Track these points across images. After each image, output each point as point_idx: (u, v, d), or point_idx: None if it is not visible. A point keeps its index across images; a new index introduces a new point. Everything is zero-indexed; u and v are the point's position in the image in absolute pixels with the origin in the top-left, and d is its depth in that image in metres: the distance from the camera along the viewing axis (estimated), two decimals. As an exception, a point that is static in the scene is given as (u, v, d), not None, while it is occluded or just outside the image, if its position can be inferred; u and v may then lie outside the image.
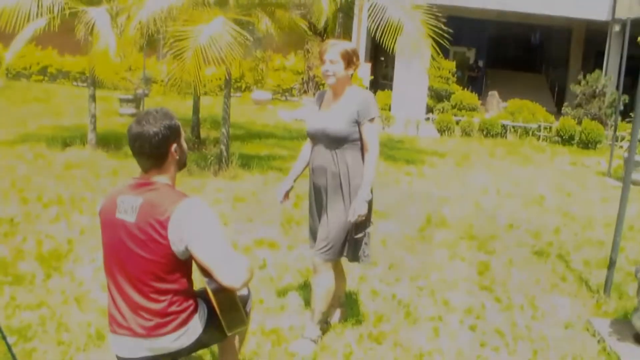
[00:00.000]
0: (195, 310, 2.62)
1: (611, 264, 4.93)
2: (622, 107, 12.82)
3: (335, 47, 3.63)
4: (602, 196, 9.00)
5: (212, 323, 2.64)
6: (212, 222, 2.55)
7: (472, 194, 8.54)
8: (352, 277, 4.88)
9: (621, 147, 13.46)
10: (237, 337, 2.88)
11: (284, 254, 5.51)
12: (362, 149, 3.68)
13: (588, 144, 14.51)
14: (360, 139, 3.66)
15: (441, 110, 16.86)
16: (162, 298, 2.53)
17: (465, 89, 18.24)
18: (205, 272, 2.50)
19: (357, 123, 3.62)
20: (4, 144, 9.92)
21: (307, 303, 4.10)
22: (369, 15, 8.77)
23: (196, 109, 11.35)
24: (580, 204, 8.39)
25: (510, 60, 26.28)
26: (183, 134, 2.67)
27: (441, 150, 12.36)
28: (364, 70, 19.63)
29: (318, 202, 3.80)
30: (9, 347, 3.03)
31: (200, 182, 8.01)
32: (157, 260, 2.49)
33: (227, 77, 8.97)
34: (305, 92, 19.43)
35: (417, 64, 9.20)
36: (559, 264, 5.80)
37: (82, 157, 9.22)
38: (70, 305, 4.24)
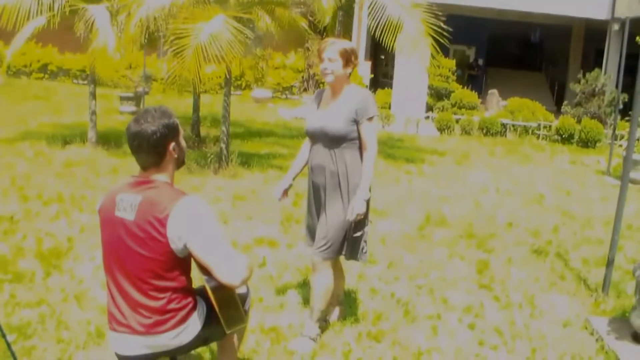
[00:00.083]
0: (194, 308, 2.64)
1: (609, 263, 4.94)
2: (621, 106, 12.84)
3: (334, 46, 3.65)
4: (602, 195, 9.01)
5: (211, 321, 2.66)
6: (211, 220, 2.56)
7: (472, 193, 8.54)
8: (351, 276, 4.89)
9: (620, 145, 13.46)
10: (236, 335, 2.89)
11: (283, 252, 5.53)
12: (361, 148, 3.69)
13: (587, 143, 14.52)
14: (359, 137, 3.67)
15: (441, 108, 16.87)
16: (161, 296, 2.54)
17: (465, 88, 18.23)
18: (204, 270, 2.52)
19: (356, 122, 3.63)
20: (5, 141, 9.93)
21: (307, 301, 4.11)
22: (369, 13, 8.78)
23: (196, 107, 11.36)
24: (579, 203, 8.40)
25: (510, 58, 26.29)
26: (181, 132, 2.68)
27: (441, 149, 12.37)
28: (364, 68, 19.62)
29: (317, 200, 3.81)
30: (9, 345, 3.04)
31: (200, 180, 8.02)
32: (156, 258, 2.50)
33: (227, 75, 8.98)
34: (305, 90, 19.43)
35: (417, 63, 9.20)
36: (558, 262, 5.81)
37: (82, 155, 9.23)
38: (70, 303, 4.25)
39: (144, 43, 9.57)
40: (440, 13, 8.55)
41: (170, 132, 2.58)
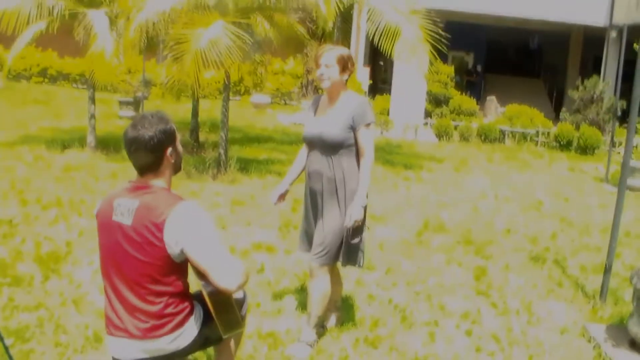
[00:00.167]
0: (191, 313, 2.65)
1: (607, 270, 4.95)
2: (620, 113, 12.87)
3: (330, 52, 3.68)
4: (600, 202, 9.03)
5: (208, 325, 2.67)
6: (208, 225, 2.57)
7: (470, 199, 8.56)
8: (349, 282, 4.90)
9: (619, 152, 13.48)
10: (232, 340, 2.90)
11: (281, 258, 5.53)
12: (358, 154, 3.71)
13: (586, 150, 14.54)
14: (356, 144, 3.69)
15: (439, 115, 16.90)
16: (158, 300, 2.55)
17: (464, 94, 18.27)
18: (201, 275, 2.53)
19: (353, 128, 3.65)
20: (4, 145, 9.94)
21: (304, 307, 4.12)
22: (368, 19, 8.81)
23: (195, 112, 11.37)
24: (577, 210, 8.42)
25: (508, 65, 26.35)
26: (178, 138, 2.69)
27: (439, 155, 12.38)
28: (363, 74, 19.66)
29: (314, 206, 3.83)
30: (6, 349, 3.05)
31: (198, 186, 8.03)
32: (153, 262, 2.51)
33: (226, 81, 9.00)
34: (304, 96, 19.45)
35: (415, 69, 9.23)
36: (556, 269, 5.82)
37: (81, 160, 9.24)
38: (68, 307, 4.26)
39: (143, 48, 9.60)
40: (438, 19, 8.58)
41: (167, 137, 2.60)
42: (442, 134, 15.14)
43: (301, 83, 19.84)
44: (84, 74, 10.07)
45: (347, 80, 3.74)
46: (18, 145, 9.97)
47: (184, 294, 2.63)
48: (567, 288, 5.33)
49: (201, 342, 2.73)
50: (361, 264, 3.89)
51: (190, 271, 2.62)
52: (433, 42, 8.61)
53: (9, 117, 12.91)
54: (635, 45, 9.81)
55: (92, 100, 9.99)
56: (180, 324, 2.60)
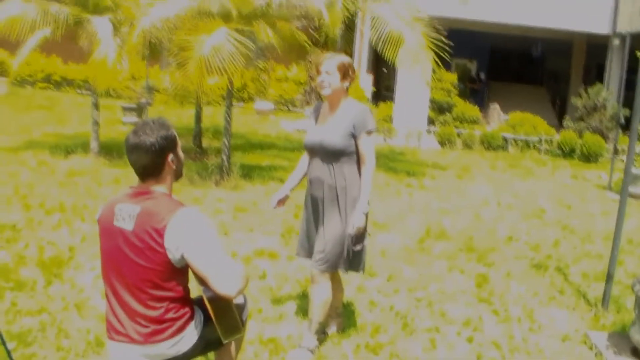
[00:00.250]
0: (191, 318, 2.66)
1: (609, 278, 4.95)
2: (623, 121, 12.85)
3: (331, 59, 3.70)
4: (603, 209, 9.01)
5: (209, 330, 2.68)
6: (208, 231, 2.59)
7: (473, 206, 8.56)
8: (350, 288, 4.90)
9: (622, 160, 13.45)
10: (233, 345, 2.91)
11: (283, 264, 5.54)
12: (359, 162, 3.73)
13: (589, 157, 14.52)
14: (357, 151, 3.70)
15: (442, 122, 16.90)
16: (159, 305, 2.56)
17: (467, 101, 18.27)
18: (202, 280, 2.54)
19: (354, 136, 3.67)
20: (8, 150, 9.98)
21: (306, 313, 4.13)
22: (371, 26, 8.84)
23: (198, 118, 11.41)
24: (580, 217, 8.41)
25: (512, 72, 26.35)
26: (179, 144, 2.71)
27: (442, 163, 12.39)
28: (366, 81, 19.69)
29: (315, 213, 3.84)
30: (9, 353, 3.07)
31: (201, 192, 8.04)
32: (154, 267, 2.53)
33: (229, 87, 9.03)
34: (307, 102, 19.48)
35: (418, 76, 9.25)
36: (558, 276, 5.81)
37: (84, 165, 9.27)
38: (71, 312, 4.28)
39: (146, 54, 9.64)
40: (441, 27, 8.61)
41: (169, 143, 2.62)
42: (445, 141, 15.15)
43: (304, 90, 19.87)
44: (88, 80, 10.09)
45: (348, 88, 3.76)
46: (22, 150, 10.01)
47: (185, 299, 2.64)
48: (569, 295, 5.33)
49: (202, 347, 2.74)
50: (362, 270, 3.91)
51: (191, 276, 2.63)
52: (436, 50, 8.63)
53: (14, 122, 12.96)
54: (638, 53, 9.82)
55: (96, 106, 10.03)
56: (181, 329, 2.61)
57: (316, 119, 3.88)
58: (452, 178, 10.86)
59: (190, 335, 2.65)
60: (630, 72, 11.56)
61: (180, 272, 2.58)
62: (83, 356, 3.70)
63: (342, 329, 4.22)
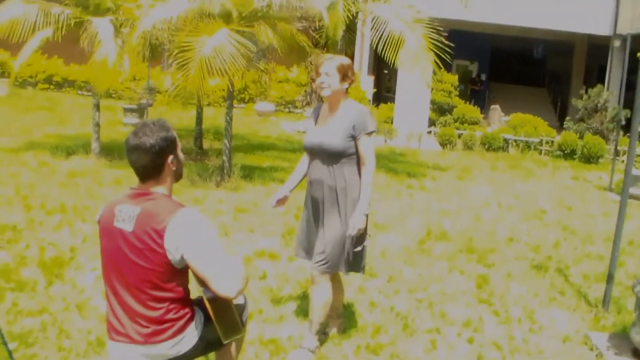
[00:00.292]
0: (191, 318, 2.67)
1: (609, 278, 4.95)
2: (624, 122, 12.86)
3: (331, 61, 3.71)
4: (603, 211, 9.02)
5: (209, 331, 2.69)
6: (208, 232, 2.59)
7: (473, 207, 8.56)
8: (351, 289, 4.91)
9: (623, 161, 13.47)
10: (233, 346, 2.91)
11: (284, 265, 5.55)
12: (359, 163, 3.73)
13: (590, 159, 14.53)
14: (357, 152, 3.71)
15: (443, 123, 16.91)
16: (159, 306, 2.57)
17: (468, 103, 18.29)
18: (202, 281, 2.55)
19: (353, 137, 3.67)
20: (9, 151, 9.99)
21: (306, 314, 4.13)
22: (372, 27, 8.86)
23: (199, 119, 11.42)
24: (580, 218, 8.41)
25: (513, 74, 26.41)
26: (179, 146, 2.72)
27: (443, 164, 12.39)
28: (367, 83, 19.71)
29: (315, 214, 3.84)
30: (10, 353, 3.08)
31: (202, 193, 8.05)
32: (154, 268, 2.53)
33: (230, 88, 9.05)
34: (308, 104, 19.50)
35: (419, 77, 9.26)
36: (558, 277, 5.81)
37: (85, 166, 9.28)
38: (71, 312, 4.29)
39: (147, 55, 9.65)
40: (441, 28, 8.62)
41: (169, 145, 2.63)
42: (445, 142, 15.16)
43: (305, 91, 19.90)
44: (89, 81, 10.11)
45: (347, 89, 3.77)
46: (23, 151, 10.03)
47: (185, 300, 2.65)
48: (569, 296, 5.33)
49: (202, 348, 2.75)
50: (363, 271, 3.93)
51: (191, 277, 2.64)
52: (437, 51, 8.64)
53: (15, 123, 12.98)
54: (639, 54, 9.83)
55: (97, 107, 10.05)
56: (181, 329, 2.62)
57: (316, 120, 3.89)
58: (453, 179, 10.86)
59: (190, 336, 2.66)
60: (631, 73, 11.57)
61: (180, 272, 2.59)
62: (84, 356, 3.71)
63: (343, 330, 4.22)
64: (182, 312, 2.62)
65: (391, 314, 4.63)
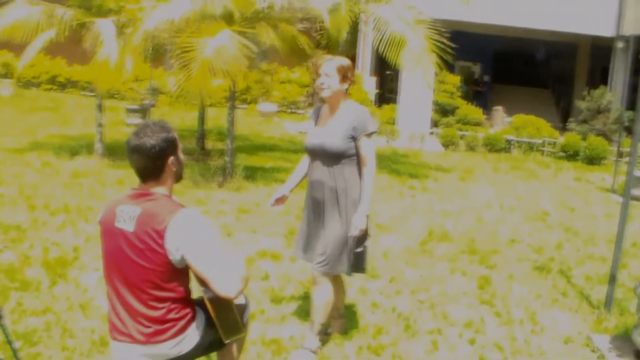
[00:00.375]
0: (193, 318, 2.68)
1: (611, 280, 4.95)
2: (627, 123, 12.86)
3: (331, 62, 3.73)
4: (606, 212, 9.01)
5: (210, 331, 2.71)
6: (208, 232, 2.60)
7: (475, 209, 8.56)
8: (353, 289, 4.92)
9: (626, 163, 13.45)
10: (235, 346, 2.92)
11: (286, 266, 5.56)
12: (359, 164, 3.75)
13: (593, 160, 14.51)
14: (357, 153, 3.72)
15: (446, 124, 16.92)
16: (161, 305, 2.58)
17: (471, 104, 18.28)
18: (202, 281, 2.56)
19: (354, 138, 3.69)
20: (13, 151, 10.03)
21: (308, 314, 4.14)
22: (374, 28, 8.86)
23: (202, 120, 11.44)
24: (583, 220, 8.40)
25: (516, 75, 26.33)
26: (180, 147, 2.73)
27: (445, 165, 12.40)
28: (370, 84, 19.71)
29: (315, 215, 3.85)
30: (14, 352, 3.09)
31: (204, 194, 8.07)
32: (155, 268, 2.55)
33: (232, 88, 9.06)
34: (310, 104, 19.51)
35: (421, 79, 9.26)
36: (560, 279, 5.81)
37: (88, 166, 9.31)
38: (75, 312, 4.31)
39: (150, 56, 9.67)
40: (444, 29, 8.61)
41: (169, 146, 2.64)
42: (448, 143, 15.16)
43: (308, 92, 19.92)
44: (92, 82, 10.14)
45: (347, 90, 3.78)
46: (27, 151, 10.06)
47: (186, 300, 2.66)
48: (571, 298, 5.33)
49: (203, 348, 2.76)
50: (364, 271, 3.96)
51: (192, 277, 2.65)
52: (439, 52, 8.64)
53: (18, 123, 13.02)
54: (640, 55, 9.82)
55: (100, 107, 10.09)
56: (183, 329, 2.63)
57: (316, 121, 3.90)
58: (455, 180, 10.87)
59: (192, 336, 2.67)
60: (634, 74, 11.57)
61: (181, 273, 2.60)
62: (88, 356, 3.73)
63: (345, 330, 4.23)
64: (183, 312, 2.63)
65: (393, 315, 4.64)
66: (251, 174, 9.24)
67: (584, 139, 15.28)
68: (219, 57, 7.36)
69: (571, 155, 14.79)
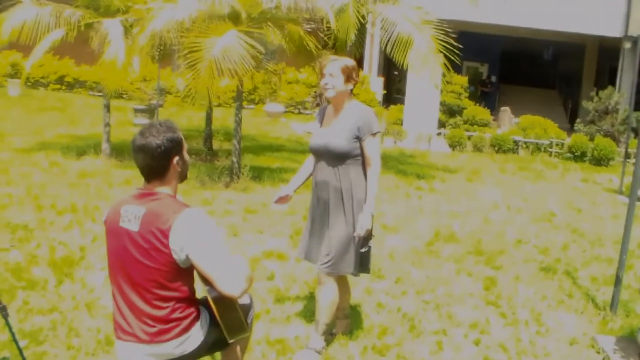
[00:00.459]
0: (197, 318, 2.69)
1: (617, 281, 4.93)
2: (634, 124, 12.80)
3: (335, 62, 3.73)
4: (613, 213, 8.98)
5: (214, 330, 2.71)
6: (213, 231, 2.62)
7: (482, 209, 8.55)
8: (358, 290, 4.93)
9: (633, 164, 13.38)
10: (239, 346, 2.93)
11: (292, 266, 5.57)
12: (364, 164, 3.75)
13: (600, 161, 14.46)
14: (362, 153, 3.73)
15: (453, 125, 16.89)
16: (165, 305, 2.60)
17: (478, 105, 18.25)
18: (206, 281, 2.57)
19: (358, 139, 3.69)
20: (21, 151, 10.09)
21: (313, 314, 4.14)
22: (381, 29, 8.86)
23: (209, 120, 11.46)
24: (590, 221, 8.38)
25: (523, 75, 26.29)
26: (185, 147, 2.75)
27: (452, 165, 12.38)
28: (377, 84, 19.70)
29: (320, 215, 3.85)
30: (20, 351, 3.12)
31: (211, 194, 8.09)
32: (160, 268, 2.56)
33: (240, 88, 9.08)
34: (318, 105, 19.53)
35: (428, 79, 9.25)
36: (566, 280, 5.80)
37: (96, 166, 9.35)
38: (81, 311, 4.33)
39: (157, 56, 9.70)
40: (450, 30, 8.60)
41: (175, 146, 2.65)
42: (455, 144, 15.14)
43: (315, 92, 19.93)
44: (100, 82, 10.19)
45: (352, 90, 3.79)
46: (34, 151, 10.12)
47: (191, 299, 2.68)
48: (577, 299, 5.31)
49: (207, 347, 2.77)
50: (369, 271, 3.96)
51: (196, 277, 2.66)
52: (446, 53, 8.63)
53: (27, 123, 13.09)
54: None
55: (107, 107, 10.13)
56: (187, 328, 2.64)
57: (321, 121, 3.91)
58: (462, 181, 10.85)
59: (196, 335, 2.68)
60: (642, 75, 11.52)
61: (185, 272, 2.61)
62: (93, 355, 3.75)
63: (350, 331, 4.24)
64: (187, 312, 2.64)
65: (398, 315, 4.64)
66: (258, 174, 9.26)
67: (592, 139, 15.23)
68: (226, 57, 7.38)
69: (578, 156, 14.75)
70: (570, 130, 17.53)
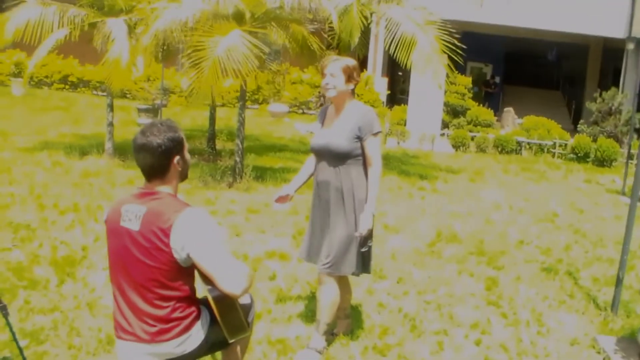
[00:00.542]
0: (197, 317, 2.70)
1: (618, 282, 4.93)
2: (638, 125, 12.77)
3: (336, 62, 3.74)
4: (615, 214, 8.96)
5: (215, 330, 2.72)
6: (213, 230, 2.62)
7: (484, 210, 8.55)
8: (359, 290, 4.93)
9: (636, 165, 13.36)
10: (239, 345, 2.94)
11: (294, 266, 5.58)
12: (365, 164, 3.76)
13: (603, 162, 14.43)
14: (363, 153, 3.73)
15: (456, 125, 16.88)
16: (166, 304, 2.61)
17: (482, 105, 18.23)
18: (207, 280, 2.58)
19: (359, 139, 3.70)
20: (24, 150, 10.11)
21: (314, 314, 4.15)
22: (385, 28, 8.87)
23: (212, 120, 11.47)
24: (592, 222, 8.37)
25: (527, 76, 26.24)
26: (186, 147, 2.76)
27: (455, 166, 12.37)
28: (381, 84, 19.69)
29: (322, 216, 3.86)
30: (21, 350, 3.13)
31: (214, 194, 8.10)
32: (160, 267, 2.57)
33: (243, 87, 9.09)
34: (321, 105, 19.53)
35: (432, 79, 9.25)
36: (568, 280, 5.80)
37: (99, 166, 9.37)
38: (82, 311, 4.35)
39: (161, 56, 9.71)
40: (454, 30, 8.60)
41: (176, 145, 2.66)
42: (458, 144, 15.13)
43: (319, 92, 19.94)
44: (104, 81, 10.21)
45: (353, 90, 3.79)
46: (37, 151, 10.14)
47: (191, 299, 2.69)
48: (578, 300, 5.31)
49: (208, 347, 2.78)
50: (370, 271, 3.97)
51: (196, 276, 2.67)
52: (449, 53, 8.63)
53: (30, 123, 13.13)
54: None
55: (111, 107, 10.15)
56: (187, 328, 2.65)
57: (323, 121, 3.92)
58: (465, 181, 10.84)
59: (196, 335, 2.69)
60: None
61: (186, 271, 2.62)
62: (94, 354, 3.76)
63: (351, 331, 4.24)
64: (188, 311, 2.65)
65: (399, 315, 4.64)
66: (261, 174, 9.27)
67: (595, 140, 15.20)
68: (230, 56, 7.39)
69: (581, 157, 14.72)
70: (574, 131, 17.50)
